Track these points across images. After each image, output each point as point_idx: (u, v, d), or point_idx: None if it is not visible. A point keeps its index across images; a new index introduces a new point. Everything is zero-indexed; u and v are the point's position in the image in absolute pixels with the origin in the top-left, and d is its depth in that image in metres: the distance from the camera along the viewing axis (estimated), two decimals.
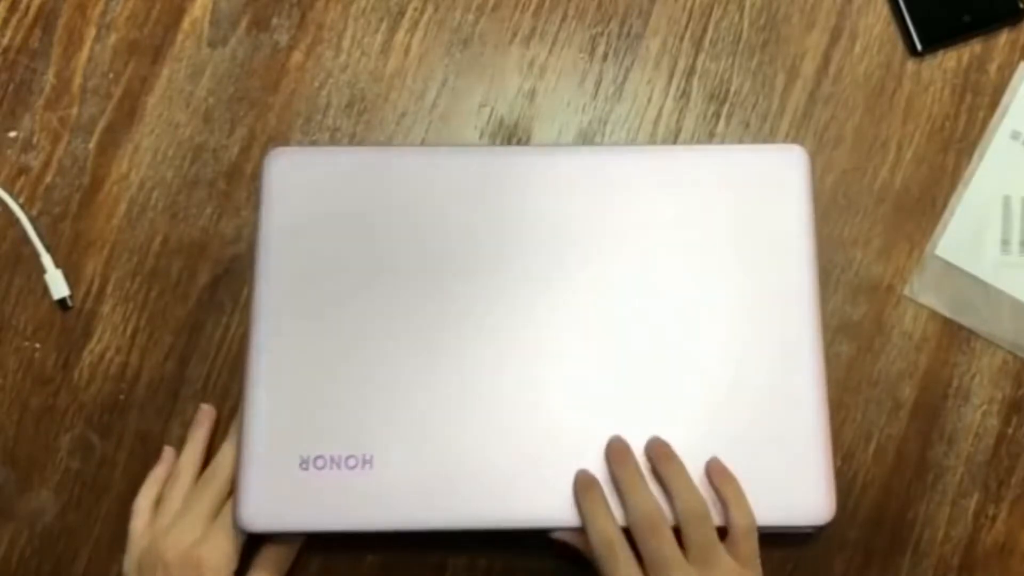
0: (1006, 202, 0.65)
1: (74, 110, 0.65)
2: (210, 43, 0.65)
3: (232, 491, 0.56)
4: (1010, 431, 0.63)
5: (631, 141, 0.65)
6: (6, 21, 0.65)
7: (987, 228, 0.64)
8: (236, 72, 0.65)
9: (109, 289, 0.63)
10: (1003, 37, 0.66)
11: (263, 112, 0.65)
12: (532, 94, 0.65)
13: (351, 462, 0.55)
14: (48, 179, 0.64)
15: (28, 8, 0.65)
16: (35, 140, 0.64)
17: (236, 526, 0.55)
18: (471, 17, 0.66)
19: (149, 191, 0.64)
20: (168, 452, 0.61)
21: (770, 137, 0.65)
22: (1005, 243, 0.64)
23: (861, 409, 0.63)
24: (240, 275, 0.63)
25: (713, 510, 0.55)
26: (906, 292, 0.64)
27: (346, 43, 0.65)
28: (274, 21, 0.66)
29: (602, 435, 0.56)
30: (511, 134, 0.65)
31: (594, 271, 0.58)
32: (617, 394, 0.57)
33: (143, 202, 0.64)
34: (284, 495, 0.55)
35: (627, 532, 0.54)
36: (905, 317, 0.64)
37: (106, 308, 0.63)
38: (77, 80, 0.65)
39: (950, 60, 0.66)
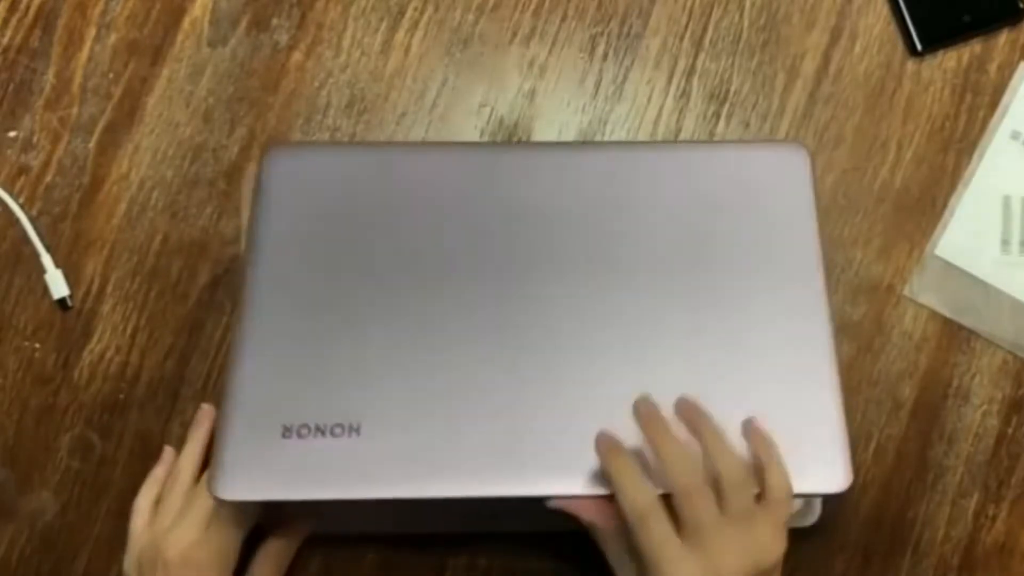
0: (1006, 202, 0.65)
1: (74, 110, 0.65)
2: (210, 43, 0.65)
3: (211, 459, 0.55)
4: (1010, 431, 0.63)
5: (631, 141, 0.65)
6: (6, 21, 0.65)
7: (987, 228, 0.64)
8: (236, 72, 0.65)
9: (109, 289, 0.63)
10: (1003, 37, 0.66)
11: (263, 112, 0.65)
12: (532, 94, 0.65)
13: (337, 430, 0.54)
14: (48, 179, 0.64)
15: (28, 8, 0.65)
16: (35, 140, 0.64)
17: (210, 493, 0.53)
18: (471, 17, 0.66)
19: (149, 191, 0.64)
20: (168, 452, 0.61)
21: (770, 137, 0.65)
22: (1005, 243, 0.64)
23: (861, 409, 0.63)
24: (240, 275, 0.63)
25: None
26: (906, 292, 0.64)
27: (346, 43, 0.66)
28: (274, 21, 0.66)
29: (599, 407, 0.55)
30: (511, 134, 0.65)
31: (594, 267, 0.58)
32: (615, 395, 0.57)
33: (143, 202, 0.64)
34: (263, 463, 0.53)
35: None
36: (905, 317, 0.64)
37: (106, 308, 0.63)
38: (77, 80, 0.65)
39: (950, 60, 0.66)
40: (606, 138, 0.65)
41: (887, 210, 0.65)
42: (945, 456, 0.63)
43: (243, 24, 0.66)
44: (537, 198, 0.59)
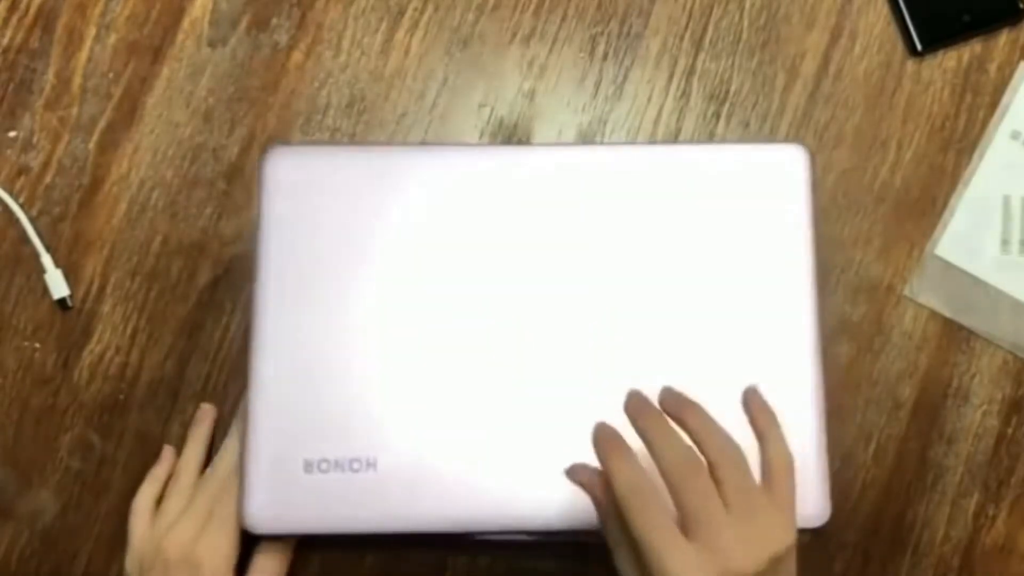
0: (1006, 202, 0.65)
1: (74, 110, 0.65)
2: (210, 43, 0.65)
3: (237, 492, 0.57)
4: (1010, 431, 0.63)
5: (631, 141, 0.65)
6: (6, 21, 0.65)
7: (987, 228, 0.64)
8: (236, 72, 0.65)
9: (109, 289, 0.63)
10: (1003, 37, 0.66)
11: (263, 112, 0.65)
12: (532, 94, 0.65)
13: (355, 465, 0.55)
14: (48, 179, 0.64)
15: (28, 8, 0.65)
16: (35, 140, 0.64)
17: (241, 528, 0.56)
18: (471, 17, 0.66)
19: (149, 191, 0.64)
20: (168, 451, 0.61)
21: (770, 137, 0.65)
22: (1005, 243, 0.64)
23: (861, 409, 0.63)
24: (240, 275, 0.63)
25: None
26: (906, 292, 0.64)
27: (346, 43, 0.65)
28: (274, 21, 0.66)
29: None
30: (511, 134, 0.65)
31: (594, 269, 0.58)
32: (614, 395, 0.57)
33: (143, 202, 0.64)
34: (288, 498, 0.55)
35: None
36: (905, 317, 0.64)
37: (106, 308, 0.63)
38: (77, 80, 0.65)
39: (950, 60, 0.66)
40: (606, 138, 0.65)
41: (887, 210, 0.65)
42: (945, 456, 0.63)
43: (243, 24, 0.65)
44: (537, 199, 0.59)
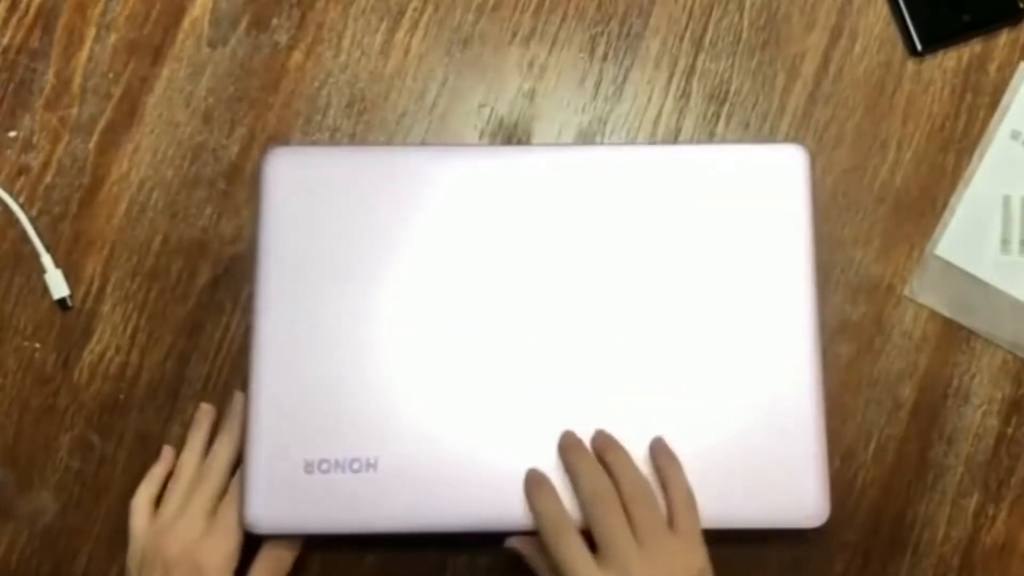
0: (1006, 202, 0.65)
1: (74, 110, 0.65)
2: (210, 43, 0.65)
3: (233, 491, 0.57)
4: (1010, 431, 0.63)
5: (631, 141, 0.65)
6: (6, 21, 0.65)
7: (987, 228, 0.64)
8: (236, 72, 0.65)
9: (109, 289, 0.63)
10: (1003, 37, 0.66)
11: (263, 112, 0.65)
12: (532, 94, 0.65)
13: (355, 465, 0.56)
14: (48, 179, 0.64)
15: (28, 8, 0.65)
16: (35, 140, 0.64)
17: (242, 527, 0.56)
18: (471, 17, 0.66)
19: (149, 191, 0.64)
20: (167, 451, 0.61)
21: (770, 137, 0.65)
22: (1005, 243, 0.64)
23: (861, 409, 0.63)
24: (240, 275, 0.63)
25: (661, 495, 0.55)
26: (906, 292, 0.64)
27: (346, 43, 0.65)
28: (274, 21, 0.66)
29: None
30: (511, 134, 0.65)
31: (594, 270, 0.58)
32: (614, 395, 0.57)
33: (143, 202, 0.64)
34: (289, 498, 0.56)
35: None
36: (905, 317, 0.64)
37: (106, 308, 0.63)
38: (77, 80, 0.65)
39: (950, 60, 0.66)
40: (606, 138, 0.65)
41: (887, 210, 0.65)
42: (945, 456, 0.63)
43: (243, 24, 0.65)
44: (537, 199, 0.59)
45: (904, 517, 0.63)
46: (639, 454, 0.56)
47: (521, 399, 0.57)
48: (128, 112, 0.65)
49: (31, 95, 0.65)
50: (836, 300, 0.64)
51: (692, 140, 0.65)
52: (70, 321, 0.63)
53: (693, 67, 0.66)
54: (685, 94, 0.65)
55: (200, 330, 0.63)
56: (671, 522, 0.54)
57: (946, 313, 0.64)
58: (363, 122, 0.65)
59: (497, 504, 0.56)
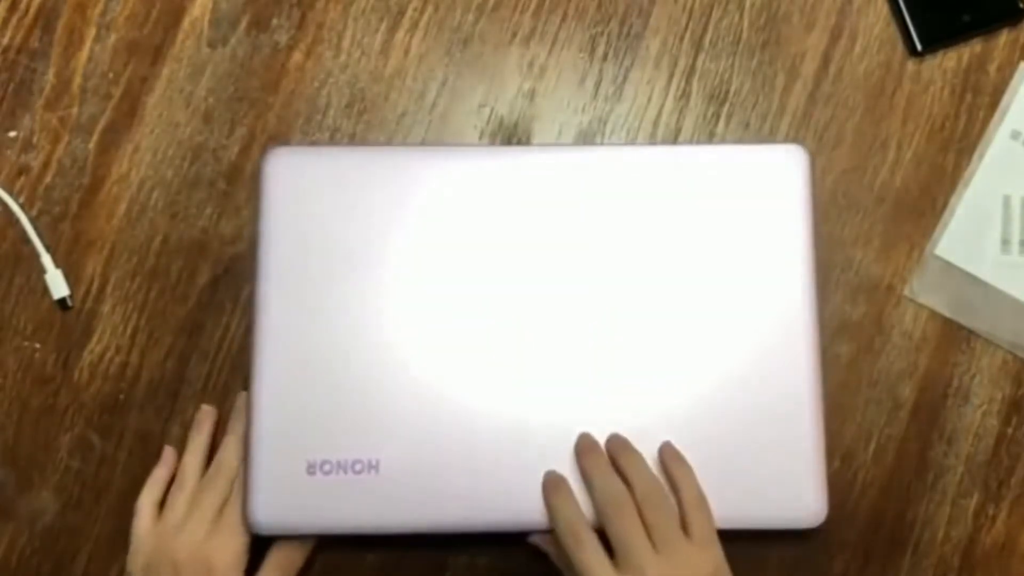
0: (1006, 202, 0.65)
1: (74, 110, 0.65)
2: (210, 43, 0.65)
3: (241, 492, 0.57)
4: (1010, 431, 0.63)
5: (631, 141, 0.65)
6: (6, 21, 0.65)
7: (987, 228, 0.64)
8: (236, 72, 0.65)
9: (109, 289, 0.63)
10: (1003, 37, 0.66)
11: (263, 112, 0.65)
12: (532, 94, 0.65)
13: (357, 466, 0.56)
14: (48, 179, 0.64)
15: (28, 8, 0.65)
16: (35, 140, 0.64)
17: (245, 527, 0.56)
18: (471, 17, 0.66)
19: (149, 191, 0.64)
20: (168, 452, 0.61)
21: (770, 137, 0.65)
22: (1005, 243, 0.64)
23: (861, 409, 0.63)
24: (240, 275, 0.63)
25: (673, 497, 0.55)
26: (906, 292, 0.64)
27: (346, 43, 0.65)
28: (274, 21, 0.66)
29: (601, 438, 0.57)
30: (511, 134, 0.65)
31: (594, 271, 0.58)
32: (614, 394, 0.57)
33: (143, 202, 0.64)
34: (291, 498, 0.56)
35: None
36: (905, 317, 0.64)
37: (106, 308, 0.63)
38: (77, 80, 0.65)
39: (950, 60, 0.66)
40: (606, 138, 0.65)
41: (887, 210, 0.65)
42: (945, 456, 0.63)
43: (243, 24, 0.65)
44: (537, 199, 0.59)
45: (904, 517, 0.63)
46: (644, 453, 0.56)
47: (521, 399, 0.57)
48: (128, 112, 0.65)
49: (31, 95, 0.65)
50: (836, 300, 0.64)
51: (692, 140, 0.65)
52: (70, 321, 0.63)
53: (693, 67, 0.66)
54: (685, 94, 0.65)
55: (200, 330, 0.63)
56: (684, 525, 0.54)
57: (946, 313, 0.64)
58: (363, 122, 0.65)
59: (498, 504, 0.56)
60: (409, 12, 0.66)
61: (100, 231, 0.64)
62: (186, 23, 0.65)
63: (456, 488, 0.56)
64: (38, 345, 0.63)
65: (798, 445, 0.57)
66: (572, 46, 0.66)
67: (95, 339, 0.63)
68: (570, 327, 0.58)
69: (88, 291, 0.63)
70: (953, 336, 0.64)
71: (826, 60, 0.66)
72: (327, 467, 0.56)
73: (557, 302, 0.58)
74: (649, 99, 0.65)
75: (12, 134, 0.64)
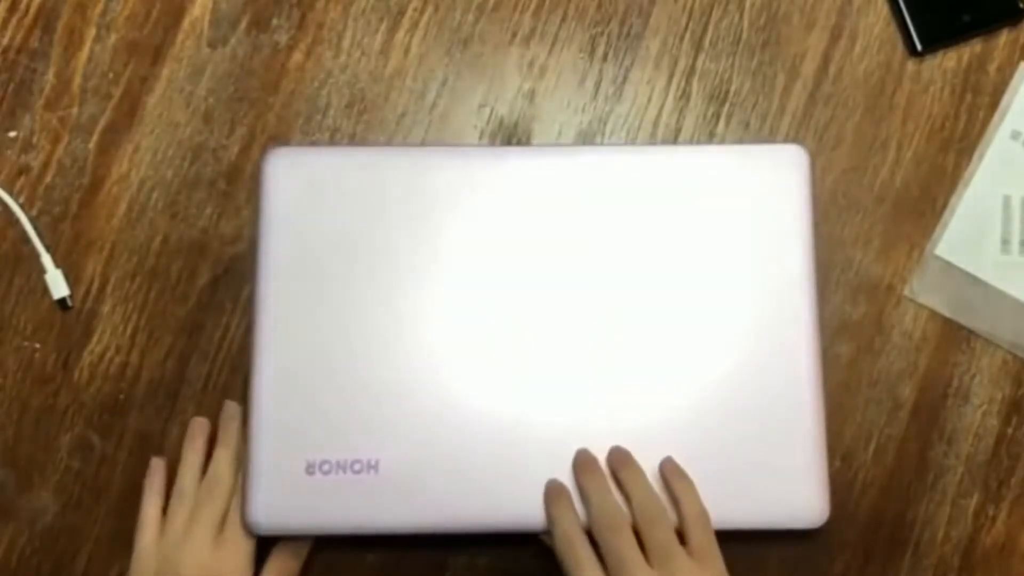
0: (1006, 202, 0.65)
1: (74, 110, 0.65)
2: (210, 43, 0.65)
3: (240, 504, 0.57)
4: (1010, 431, 0.63)
5: (631, 141, 0.65)
6: (6, 21, 0.65)
7: (987, 228, 0.64)
8: (236, 72, 0.65)
9: (109, 289, 0.63)
10: (1003, 37, 0.66)
11: (263, 112, 0.65)
12: (532, 94, 0.65)
13: (356, 466, 0.56)
14: (48, 179, 0.64)
15: (28, 8, 0.65)
16: (35, 140, 0.64)
17: (245, 528, 0.56)
18: (471, 17, 0.66)
19: (149, 191, 0.64)
20: (156, 463, 0.60)
21: (770, 137, 0.65)
22: (1005, 243, 0.64)
23: (861, 409, 0.63)
24: (240, 275, 0.63)
25: (672, 513, 0.55)
26: (906, 292, 0.64)
27: (346, 43, 0.66)
28: (274, 21, 0.66)
29: (601, 439, 0.57)
30: (511, 134, 0.65)
31: (593, 270, 0.58)
32: (614, 394, 0.57)
33: (143, 202, 0.64)
34: (290, 499, 0.56)
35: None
36: (905, 317, 0.64)
37: (106, 308, 0.63)
38: (77, 80, 0.65)
39: (950, 60, 0.66)
40: (606, 138, 0.65)
41: (887, 210, 0.65)
42: (945, 456, 0.63)
43: (243, 24, 0.66)
44: (537, 200, 0.59)
45: (904, 517, 0.63)
46: (642, 455, 0.56)
47: (521, 399, 0.57)
48: (128, 112, 0.65)
49: (31, 95, 0.65)
50: (836, 300, 0.64)
51: (692, 140, 0.65)
52: (70, 321, 0.63)
53: (693, 67, 0.66)
54: (685, 94, 0.65)
55: (200, 330, 0.63)
56: (684, 539, 0.54)
57: (946, 313, 0.64)
58: (363, 122, 0.65)
59: (497, 505, 0.56)
60: (409, 12, 0.66)
61: (100, 231, 0.64)
62: (186, 23, 0.65)
63: (456, 488, 0.56)
64: (38, 345, 0.63)
65: (799, 445, 0.57)
66: (572, 46, 0.66)
67: (95, 339, 0.63)
68: (570, 327, 0.58)
69: (88, 291, 0.63)
70: (953, 336, 0.64)
71: (826, 60, 0.66)
72: (326, 467, 0.56)
73: (557, 302, 0.58)
74: (649, 99, 0.66)
75: (12, 134, 0.64)
